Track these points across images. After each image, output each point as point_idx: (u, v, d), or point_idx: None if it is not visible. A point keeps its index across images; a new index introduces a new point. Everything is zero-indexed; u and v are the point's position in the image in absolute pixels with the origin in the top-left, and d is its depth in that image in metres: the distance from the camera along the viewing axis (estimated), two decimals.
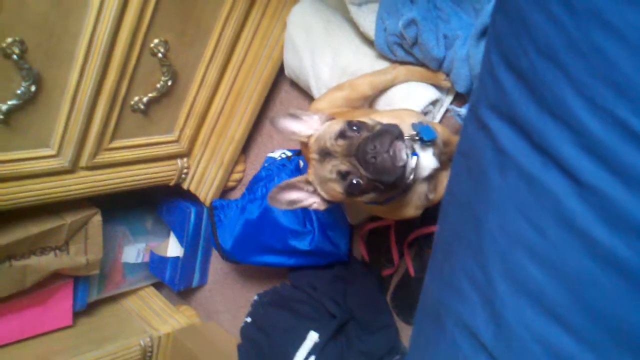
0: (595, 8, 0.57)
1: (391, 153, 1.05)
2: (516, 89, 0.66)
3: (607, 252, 0.59)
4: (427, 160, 1.22)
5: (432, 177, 1.27)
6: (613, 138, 0.57)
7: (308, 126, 1.22)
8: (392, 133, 1.07)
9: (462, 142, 0.81)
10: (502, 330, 0.67)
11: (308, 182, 1.19)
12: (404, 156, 1.07)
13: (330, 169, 1.12)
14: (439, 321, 0.77)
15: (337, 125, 1.14)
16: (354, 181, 1.08)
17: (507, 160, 0.68)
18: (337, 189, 1.13)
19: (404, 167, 1.08)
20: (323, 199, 1.19)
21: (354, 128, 1.11)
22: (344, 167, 1.10)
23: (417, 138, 1.20)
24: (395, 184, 1.09)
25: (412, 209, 1.29)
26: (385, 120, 1.17)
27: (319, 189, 1.17)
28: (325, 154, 1.13)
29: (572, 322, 0.62)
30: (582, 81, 0.59)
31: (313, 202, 1.20)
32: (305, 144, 1.23)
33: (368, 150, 1.06)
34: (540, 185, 0.64)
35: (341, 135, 1.11)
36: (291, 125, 1.23)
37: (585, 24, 0.58)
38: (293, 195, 1.19)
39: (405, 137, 1.17)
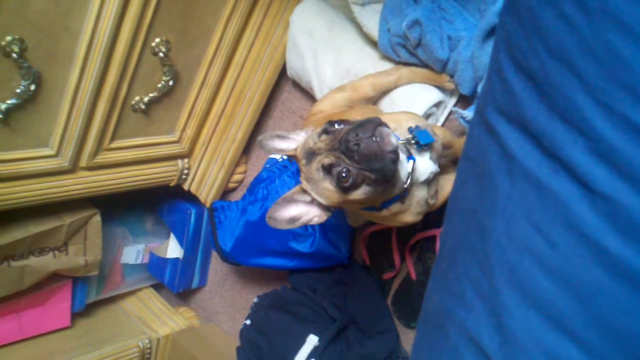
0: (610, 8, 0.55)
1: (377, 138, 1.03)
2: (526, 91, 0.64)
3: (619, 262, 0.57)
4: (424, 164, 1.20)
5: (432, 181, 1.25)
6: (627, 144, 0.55)
7: (296, 142, 1.21)
8: (374, 121, 1.05)
9: (468, 146, 0.79)
10: (507, 341, 0.65)
11: (303, 191, 1.15)
12: (393, 140, 1.04)
13: (315, 166, 1.10)
14: (442, 330, 0.75)
15: (320, 128, 1.13)
16: (343, 174, 1.06)
17: (515, 166, 0.66)
18: (329, 187, 1.09)
19: (395, 153, 1.05)
20: (322, 207, 1.16)
21: (336, 124, 1.10)
22: (327, 160, 1.07)
23: (413, 142, 1.18)
24: (384, 172, 1.06)
25: (412, 215, 1.26)
26: None
27: (314, 195, 1.14)
28: (311, 154, 1.11)
29: (582, 335, 0.60)
30: (595, 84, 0.57)
31: (313, 216, 1.17)
32: (296, 157, 1.21)
33: (350, 138, 1.04)
34: (550, 193, 0.62)
35: (324, 132, 1.10)
36: (279, 145, 1.22)
37: (599, 25, 0.56)
38: (292, 211, 1.16)
39: (401, 141, 1.15)
